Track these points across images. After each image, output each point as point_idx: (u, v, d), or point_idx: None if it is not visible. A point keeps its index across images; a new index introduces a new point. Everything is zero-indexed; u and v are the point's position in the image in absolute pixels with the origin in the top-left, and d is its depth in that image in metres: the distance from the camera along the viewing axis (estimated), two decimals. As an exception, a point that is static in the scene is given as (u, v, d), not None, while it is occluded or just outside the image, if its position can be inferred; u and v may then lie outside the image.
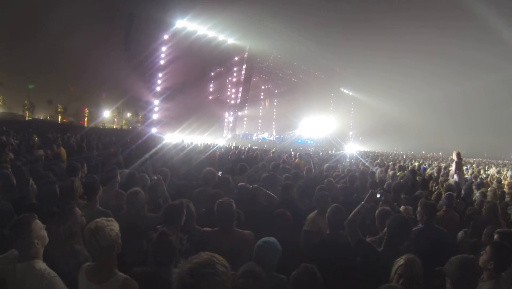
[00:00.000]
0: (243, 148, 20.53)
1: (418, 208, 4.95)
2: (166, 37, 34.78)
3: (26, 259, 2.87)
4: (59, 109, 34.07)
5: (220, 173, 7.07)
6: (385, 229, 4.08)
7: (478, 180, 12.52)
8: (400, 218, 4.05)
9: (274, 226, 4.50)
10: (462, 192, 8.20)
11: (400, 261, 3.05)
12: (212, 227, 4.28)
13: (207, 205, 4.98)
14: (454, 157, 12.02)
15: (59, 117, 34.07)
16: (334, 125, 52.48)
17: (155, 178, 5.89)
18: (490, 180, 13.29)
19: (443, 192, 7.71)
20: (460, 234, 5.34)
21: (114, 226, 3.04)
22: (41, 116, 35.16)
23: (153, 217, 4.56)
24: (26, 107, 31.85)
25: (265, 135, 50.50)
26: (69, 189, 4.56)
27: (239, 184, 6.32)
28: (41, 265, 2.88)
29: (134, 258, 3.31)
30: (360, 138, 61.69)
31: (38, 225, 2.99)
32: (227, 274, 1.93)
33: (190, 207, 4.38)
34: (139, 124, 36.48)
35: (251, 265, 3.06)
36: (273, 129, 58.25)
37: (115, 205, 5.09)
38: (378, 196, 5.00)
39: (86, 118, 36.11)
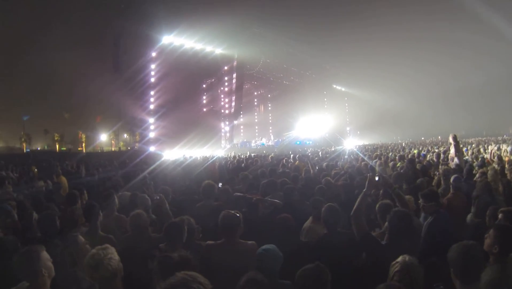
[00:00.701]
0: (242, 157, 20.54)
1: (420, 200, 4.93)
2: (154, 54, 34.89)
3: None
4: (56, 138, 34.07)
5: (220, 184, 7.06)
6: (385, 224, 4.07)
7: (480, 160, 12.50)
8: (401, 213, 4.01)
9: (276, 231, 4.51)
10: (464, 173, 8.19)
11: (396, 266, 2.89)
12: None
13: (211, 219, 4.98)
14: (451, 140, 12.03)
15: (57, 146, 34.05)
16: (330, 122, 52.48)
17: (157, 197, 5.88)
18: (491, 158, 13.30)
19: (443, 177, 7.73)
20: (469, 217, 5.34)
21: (111, 254, 3.04)
22: (38, 146, 35.14)
23: (157, 237, 4.55)
24: (23, 139, 31.84)
25: (263, 141, 50.49)
26: (70, 218, 4.59)
27: (235, 194, 6.33)
28: None
29: (140, 279, 3.32)
30: (358, 132, 61.78)
31: (46, 256, 3.03)
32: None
33: (191, 223, 4.39)
34: (137, 144, 36.45)
35: (253, 273, 3.07)
36: (270, 134, 58.20)
37: (115, 229, 5.10)
38: (377, 178, 4.93)
39: (83, 144, 36.06)
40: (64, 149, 34.32)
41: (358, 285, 3.68)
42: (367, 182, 4.49)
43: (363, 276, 3.72)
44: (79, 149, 35.28)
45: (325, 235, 4.42)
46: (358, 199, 4.23)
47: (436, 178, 8.60)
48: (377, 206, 4.85)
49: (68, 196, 6.39)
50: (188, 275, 1.93)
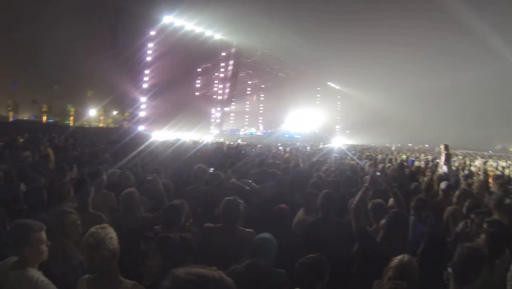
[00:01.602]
0: (232, 144, 20.54)
1: (413, 203, 5.01)
2: (152, 33, 34.43)
3: (20, 267, 2.79)
4: (43, 109, 33.51)
5: (212, 169, 7.01)
6: (382, 222, 4.13)
7: (466, 171, 12.75)
8: (400, 216, 4.11)
9: (272, 221, 4.53)
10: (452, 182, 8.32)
11: (394, 261, 2.95)
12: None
13: (201, 203, 4.96)
14: (442, 149, 12.32)
15: (44, 117, 33.54)
16: (321, 119, 52.67)
17: (149, 177, 5.80)
18: (477, 171, 13.56)
19: (434, 183, 7.86)
20: (461, 224, 5.42)
21: (111, 233, 2.94)
22: (25, 116, 34.60)
23: (151, 218, 4.49)
24: (9, 108, 31.28)
25: (252, 130, 50.53)
26: (58, 192, 4.48)
27: (231, 181, 6.30)
28: (34, 273, 2.79)
29: (132, 260, 3.24)
30: (348, 131, 62.02)
31: (40, 238, 2.90)
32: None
33: (186, 208, 4.35)
34: (125, 122, 36.10)
35: (256, 259, 3.07)
36: (260, 124, 58.25)
37: (103, 207, 4.97)
38: (378, 173, 4.99)
39: (71, 118, 35.58)
40: (52, 121, 33.83)
41: (348, 277, 3.75)
42: (369, 178, 4.54)
43: (354, 268, 3.78)
44: (66, 122, 34.78)
45: (318, 219, 4.48)
46: (360, 193, 4.29)
47: (424, 183, 8.69)
48: (370, 205, 4.88)
49: (57, 169, 6.28)
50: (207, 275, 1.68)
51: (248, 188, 5.90)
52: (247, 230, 4.16)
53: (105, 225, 3.04)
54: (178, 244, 3.16)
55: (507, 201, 5.78)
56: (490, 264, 3.42)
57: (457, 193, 6.11)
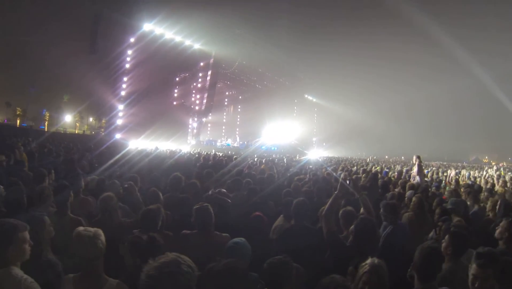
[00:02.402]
0: (209, 154, 20.61)
1: (381, 210, 5.23)
2: (132, 40, 34.26)
3: (3, 265, 2.81)
4: (18, 112, 32.96)
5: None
6: (351, 228, 4.27)
7: (437, 182, 13.28)
8: (367, 221, 4.24)
9: (248, 228, 4.69)
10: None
11: (365, 267, 3.02)
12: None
13: (177, 210, 5.08)
14: (415, 160, 12.83)
15: (17, 121, 32.97)
16: (298, 131, 53.06)
17: (126, 185, 5.90)
18: (448, 181, 14.05)
19: (406, 191, 8.22)
20: (431, 234, 5.65)
21: (101, 234, 3.08)
22: (-3, 119, 33.98)
23: (128, 222, 4.61)
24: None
25: (229, 141, 50.56)
26: (38, 196, 4.54)
27: (208, 194, 6.43)
28: (18, 271, 2.82)
29: (111, 264, 3.33)
30: (324, 144, 62.62)
31: (24, 237, 2.93)
32: (192, 274, 2.03)
33: (162, 212, 4.47)
34: (102, 129, 35.75)
35: (233, 260, 3.16)
36: (237, 135, 58.33)
37: (80, 212, 5.01)
38: (347, 182, 5.28)
39: (46, 123, 35.04)
40: (26, 125, 33.27)
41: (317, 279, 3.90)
42: (339, 185, 4.68)
43: (324, 271, 3.92)
44: (41, 127, 34.22)
45: (292, 225, 4.70)
46: (330, 200, 4.50)
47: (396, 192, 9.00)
48: (340, 212, 5.06)
49: (36, 173, 6.32)
50: (179, 257, 2.05)
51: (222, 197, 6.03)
52: (224, 234, 4.31)
53: (93, 228, 3.13)
54: (146, 244, 3.30)
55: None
56: (454, 262, 3.83)
57: (414, 200, 6.43)
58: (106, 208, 4.61)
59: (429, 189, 9.60)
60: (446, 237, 4.00)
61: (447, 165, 35.79)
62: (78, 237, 3.00)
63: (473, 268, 3.20)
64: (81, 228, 3.07)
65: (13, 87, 34.02)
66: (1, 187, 4.74)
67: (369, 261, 3.07)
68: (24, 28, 30.57)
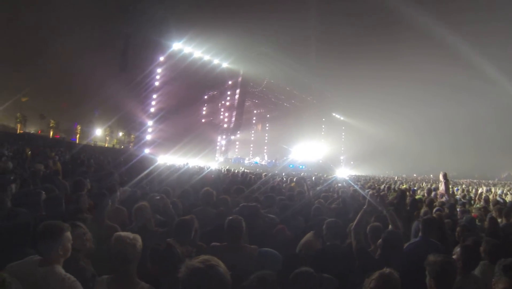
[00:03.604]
0: (236, 171, 20.66)
1: (415, 223, 5.17)
2: (161, 58, 35.12)
3: (47, 263, 2.93)
4: (51, 124, 33.85)
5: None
6: (379, 242, 4.36)
7: (467, 199, 12.87)
8: (395, 233, 4.42)
9: (275, 242, 4.67)
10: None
11: (375, 274, 3.00)
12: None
13: (212, 223, 5.09)
14: (441, 178, 12.50)
15: (51, 132, 33.85)
16: (325, 150, 52.80)
17: (158, 197, 5.92)
18: (478, 198, 13.61)
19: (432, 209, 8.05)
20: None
21: (139, 239, 3.21)
22: (32, 130, 34.92)
23: (161, 231, 4.62)
24: (18, 120, 31.63)
25: (257, 159, 50.67)
26: (74, 204, 4.62)
27: (241, 204, 6.43)
28: (61, 270, 2.95)
29: (144, 271, 3.35)
30: (352, 162, 62.05)
31: (69, 237, 3.08)
32: (228, 277, 2.14)
33: (196, 224, 4.48)
34: (131, 144, 36.38)
35: (264, 272, 3.16)
36: (265, 153, 58.40)
37: (115, 221, 5.09)
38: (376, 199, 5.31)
39: (78, 136, 35.89)
40: (58, 136, 34.16)
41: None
42: (367, 199, 4.84)
43: (353, 283, 3.89)
44: (72, 139, 35.04)
45: (327, 246, 4.73)
46: (359, 215, 4.64)
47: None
48: (368, 227, 5.08)
49: (76, 182, 6.44)
50: (212, 259, 2.16)
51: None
52: (252, 246, 4.30)
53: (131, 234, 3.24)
54: (165, 252, 3.35)
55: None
56: (465, 275, 3.85)
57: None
58: (141, 217, 4.64)
59: (456, 207, 9.36)
60: (457, 250, 4.01)
61: (477, 182, 34.83)
62: (118, 240, 3.09)
63: (503, 281, 3.14)
64: (120, 232, 3.19)
65: (48, 103, 34.99)
66: (43, 192, 4.82)
67: (379, 271, 3.04)
68: (63, 51, 31.55)
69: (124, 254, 3.03)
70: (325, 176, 29.15)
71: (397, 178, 35.46)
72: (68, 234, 3.07)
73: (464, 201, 12.15)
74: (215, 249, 4.28)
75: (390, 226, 5.13)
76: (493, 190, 19.38)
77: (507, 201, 12.49)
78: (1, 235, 3.44)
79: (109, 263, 3.13)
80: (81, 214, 4.52)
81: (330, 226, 4.79)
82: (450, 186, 13.74)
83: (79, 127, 36.07)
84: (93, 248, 3.67)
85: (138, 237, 3.17)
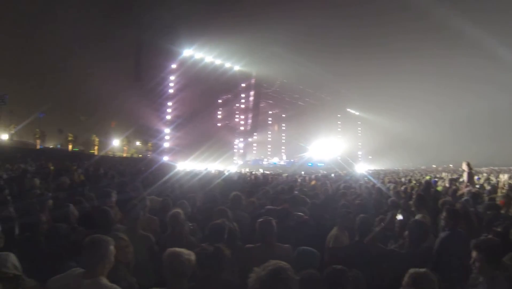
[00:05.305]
0: (257, 173, 20.72)
1: (444, 214, 5.04)
2: (174, 66, 35.38)
3: (92, 276, 2.95)
4: (69, 138, 34.33)
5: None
6: (405, 233, 4.63)
7: (490, 187, 12.56)
8: (419, 221, 4.71)
9: (300, 235, 4.94)
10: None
11: (409, 272, 2.86)
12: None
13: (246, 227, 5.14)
14: (464, 167, 12.21)
15: (69, 146, 34.33)
16: (343, 146, 52.40)
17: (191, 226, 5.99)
18: (501, 186, 13.29)
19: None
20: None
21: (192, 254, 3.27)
22: (51, 144, 35.46)
23: (196, 239, 4.68)
24: (37, 136, 32.16)
25: (275, 160, 50.63)
26: (106, 214, 4.65)
27: (267, 207, 6.44)
28: (106, 281, 2.97)
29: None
30: (370, 157, 61.54)
31: (113, 249, 3.12)
32: (296, 280, 2.23)
33: (234, 226, 4.50)
34: (149, 152, 36.64)
35: (310, 271, 3.23)
36: (282, 153, 58.33)
37: (148, 229, 5.10)
38: (400, 217, 5.25)
39: (96, 147, 36.31)
40: (77, 149, 34.62)
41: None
42: (388, 220, 5.19)
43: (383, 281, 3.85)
44: (91, 151, 35.46)
45: (357, 241, 4.71)
46: (375, 231, 4.77)
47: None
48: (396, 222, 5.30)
49: (103, 192, 6.48)
50: (283, 263, 2.24)
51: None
52: (285, 245, 4.34)
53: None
54: (212, 255, 3.39)
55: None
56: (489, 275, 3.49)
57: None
58: (175, 224, 4.68)
59: (481, 196, 9.13)
60: (473, 252, 3.63)
61: (498, 170, 34.10)
62: (174, 255, 3.15)
63: None
64: (175, 248, 3.22)
65: (65, 117, 35.56)
66: (71, 205, 4.86)
67: (417, 269, 2.91)
68: (78, 65, 32.08)
69: (181, 269, 3.10)
70: (344, 172, 28.98)
71: (417, 170, 34.99)
72: (112, 247, 3.11)
73: (489, 188, 11.88)
74: (249, 250, 4.35)
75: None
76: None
77: None
78: (44, 250, 3.52)
79: (147, 272, 3.22)
80: (115, 225, 4.56)
81: (363, 222, 4.77)
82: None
83: (96, 139, 36.49)
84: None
85: (192, 253, 3.23)
